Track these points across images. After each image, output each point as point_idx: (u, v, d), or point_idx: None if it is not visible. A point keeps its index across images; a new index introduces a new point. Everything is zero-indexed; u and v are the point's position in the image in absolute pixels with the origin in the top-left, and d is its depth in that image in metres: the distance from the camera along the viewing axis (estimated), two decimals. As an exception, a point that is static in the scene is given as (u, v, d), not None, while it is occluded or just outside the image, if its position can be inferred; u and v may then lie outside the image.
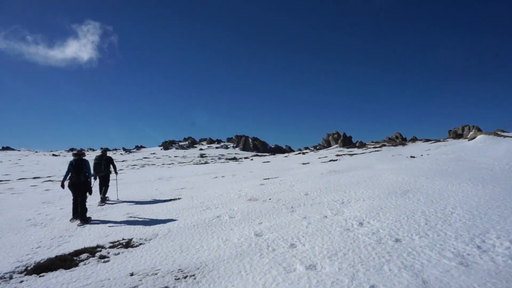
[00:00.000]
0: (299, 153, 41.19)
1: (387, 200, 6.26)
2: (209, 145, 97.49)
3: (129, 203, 9.11)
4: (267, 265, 3.75)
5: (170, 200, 9.17)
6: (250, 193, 8.86)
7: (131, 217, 7.28)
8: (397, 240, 4.11)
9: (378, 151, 22.89)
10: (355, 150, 30.12)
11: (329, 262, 3.64)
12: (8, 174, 32.75)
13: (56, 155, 73.33)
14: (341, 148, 37.54)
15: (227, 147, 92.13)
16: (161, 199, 9.55)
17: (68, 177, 7.48)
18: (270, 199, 7.66)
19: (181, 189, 11.59)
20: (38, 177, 26.25)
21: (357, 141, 48.90)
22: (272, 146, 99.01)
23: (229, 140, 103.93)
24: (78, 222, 7.20)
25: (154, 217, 6.99)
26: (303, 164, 17.65)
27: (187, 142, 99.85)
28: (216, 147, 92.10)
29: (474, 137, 15.79)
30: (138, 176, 20.04)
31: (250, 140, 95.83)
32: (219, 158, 55.97)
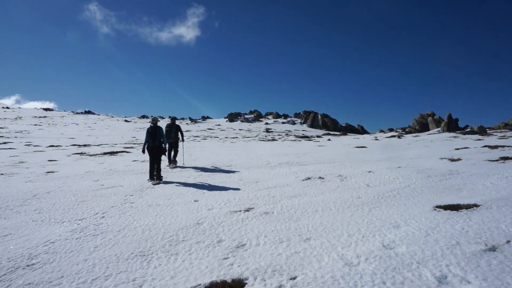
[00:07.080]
0: (392, 136, 32.60)
1: None
2: (275, 120, 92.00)
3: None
4: None
5: None
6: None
7: None
8: None
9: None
10: (487, 140, 21.02)
11: None
12: (74, 138, 31.22)
13: (128, 121, 74.72)
14: (456, 134, 27.95)
15: (294, 123, 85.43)
16: None
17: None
18: None
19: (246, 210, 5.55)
20: (88, 145, 23.13)
21: (466, 125, 37.61)
22: (343, 125, 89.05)
23: (296, 115, 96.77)
24: (154, 181, 8.18)
25: None
26: (451, 161, 10.30)
27: (252, 115, 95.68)
28: (283, 122, 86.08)
29: None
30: (197, 153, 14.70)
31: (320, 117, 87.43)
32: (287, 135, 49.53)
